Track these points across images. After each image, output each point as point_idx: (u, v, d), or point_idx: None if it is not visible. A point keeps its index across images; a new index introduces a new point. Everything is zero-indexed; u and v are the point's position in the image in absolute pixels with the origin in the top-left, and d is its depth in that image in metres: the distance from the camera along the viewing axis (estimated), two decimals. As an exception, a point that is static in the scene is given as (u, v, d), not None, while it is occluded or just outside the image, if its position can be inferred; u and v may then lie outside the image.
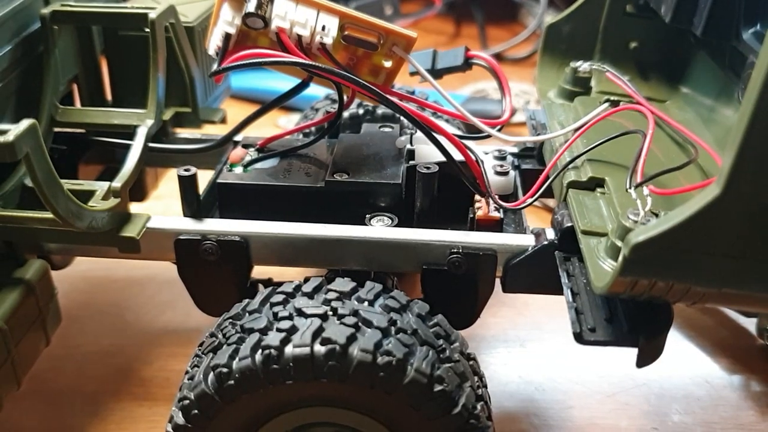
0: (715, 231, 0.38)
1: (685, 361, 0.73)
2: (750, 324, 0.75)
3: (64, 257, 0.63)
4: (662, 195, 0.46)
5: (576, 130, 0.56)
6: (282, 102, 0.59)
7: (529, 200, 0.55)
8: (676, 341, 0.75)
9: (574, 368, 0.71)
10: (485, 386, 0.50)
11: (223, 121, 0.68)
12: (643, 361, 0.45)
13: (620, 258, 0.40)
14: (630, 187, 0.47)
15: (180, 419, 0.45)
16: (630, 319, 0.45)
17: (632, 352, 0.73)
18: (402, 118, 0.57)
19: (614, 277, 0.41)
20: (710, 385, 0.70)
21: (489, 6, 1.36)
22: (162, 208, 0.72)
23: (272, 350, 0.43)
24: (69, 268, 0.80)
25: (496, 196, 0.56)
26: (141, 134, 0.56)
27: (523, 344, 0.74)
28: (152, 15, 0.57)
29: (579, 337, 0.45)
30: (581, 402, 0.67)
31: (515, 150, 0.66)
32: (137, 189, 0.70)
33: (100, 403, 0.67)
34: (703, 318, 0.78)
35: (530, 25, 1.35)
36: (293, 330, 0.44)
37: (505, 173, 0.60)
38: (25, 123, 0.40)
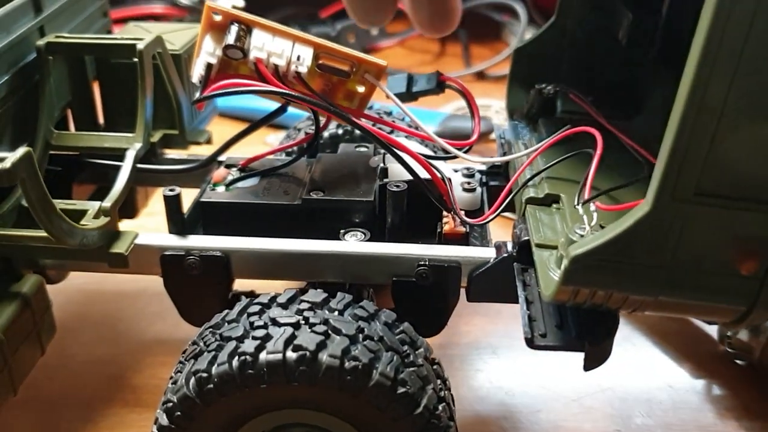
0: (646, 244, 0.42)
1: (649, 366, 0.76)
2: (712, 330, 0.79)
3: (58, 272, 0.66)
4: (608, 210, 0.50)
5: (537, 149, 0.61)
6: (261, 125, 0.63)
7: (491, 216, 0.59)
8: (640, 347, 0.79)
9: (542, 374, 0.75)
10: (449, 389, 0.53)
11: (209, 141, 0.72)
12: (589, 365, 0.49)
13: (562, 269, 0.44)
14: (578, 204, 0.51)
15: (164, 420, 0.49)
16: (578, 326, 0.49)
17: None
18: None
19: (558, 285, 0.45)
20: (673, 389, 0.74)
21: (472, 25, 1.40)
22: (153, 224, 0.76)
23: (248, 356, 0.47)
24: (64, 282, 0.83)
25: (462, 212, 0.59)
26: (130, 157, 0.60)
27: (494, 351, 0.78)
28: (140, 46, 0.61)
29: (530, 342, 0.49)
30: (548, 406, 0.71)
31: (483, 168, 0.70)
32: (128, 207, 0.74)
33: (93, 409, 0.70)
34: (668, 324, 0.82)
35: (511, 44, 1.40)
36: (267, 338, 0.48)
37: (472, 190, 0.65)
38: (21, 151, 0.44)
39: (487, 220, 0.59)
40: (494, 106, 1.23)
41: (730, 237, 0.42)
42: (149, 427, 0.53)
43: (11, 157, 0.43)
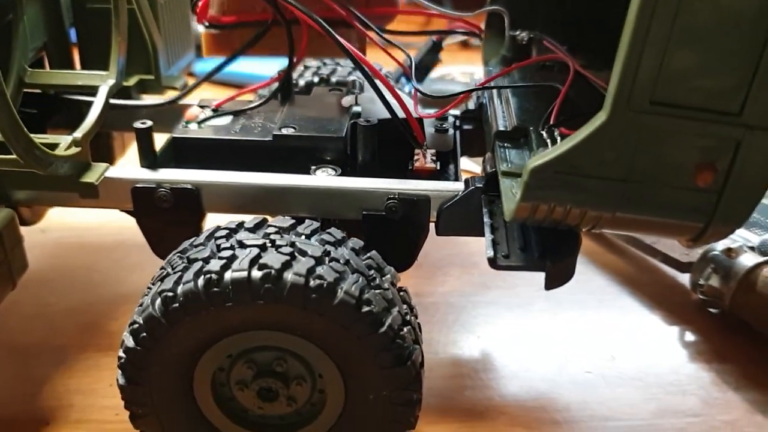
0: (603, 155, 0.42)
1: (622, 313, 0.77)
2: (685, 280, 0.80)
3: (33, 211, 0.67)
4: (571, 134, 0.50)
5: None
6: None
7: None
8: (614, 297, 0.79)
9: (514, 320, 0.76)
10: (415, 316, 0.54)
11: (184, 87, 0.73)
12: (551, 284, 0.49)
13: (521, 183, 0.44)
14: (542, 129, 0.51)
15: (130, 342, 0.49)
16: (541, 247, 0.50)
17: (568, 306, 0.78)
18: (352, 80, 0.62)
19: (518, 202, 0.45)
20: (645, 335, 0.74)
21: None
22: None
23: (213, 275, 0.47)
24: (42, 236, 0.84)
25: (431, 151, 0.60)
26: (102, 92, 0.61)
27: (469, 300, 0.78)
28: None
29: (493, 262, 0.49)
30: (519, 349, 0.72)
31: (457, 112, 0.71)
32: (105, 154, 0.75)
33: (67, 354, 0.71)
34: (642, 275, 0.83)
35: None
36: (233, 258, 0.48)
37: (445, 131, 0.65)
38: (-14, 67, 0.45)
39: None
40: (477, 73, 1.24)
41: (685, 148, 0.42)
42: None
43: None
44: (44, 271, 0.81)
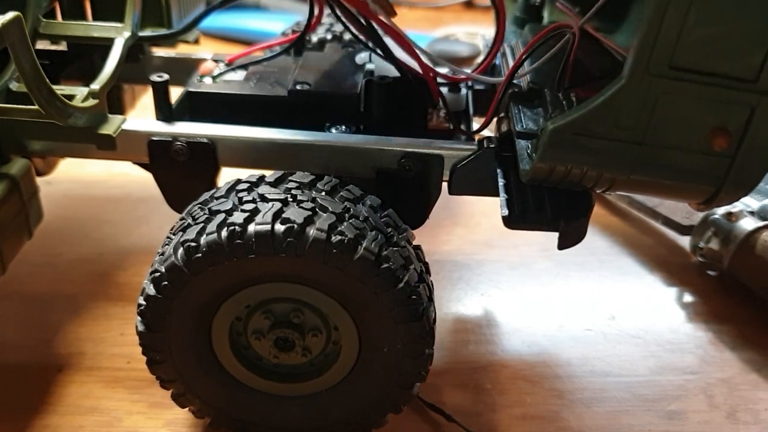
0: (621, 118, 0.43)
1: (623, 274, 0.79)
2: (685, 243, 0.82)
3: (46, 162, 0.67)
4: (587, 97, 0.51)
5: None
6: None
7: (489, 119, 0.59)
8: (616, 257, 0.81)
9: (517, 279, 0.77)
10: (429, 274, 0.55)
11: (197, 41, 0.73)
12: (563, 243, 0.51)
13: (540, 144, 0.45)
14: (558, 91, 0.52)
15: (151, 290, 0.50)
16: (554, 208, 0.51)
17: (569, 266, 0.80)
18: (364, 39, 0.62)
19: (535, 163, 0.46)
20: (644, 296, 0.76)
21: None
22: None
23: (236, 227, 0.48)
24: (51, 187, 0.85)
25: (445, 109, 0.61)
26: (119, 44, 0.61)
27: (473, 258, 0.80)
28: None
29: (507, 221, 0.50)
30: (522, 307, 0.74)
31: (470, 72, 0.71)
32: (116, 106, 0.75)
33: (77, 303, 0.72)
34: (643, 237, 0.84)
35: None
36: (256, 211, 0.49)
37: (458, 90, 0.66)
38: (11, 14, 0.45)
39: (485, 125, 0.59)
40: (482, 33, 1.24)
41: (702, 112, 0.43)
42: (131, 319, 0.55)
43: (1, 19, 0.44)
44: (53, 221, 0.82)
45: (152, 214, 0.83)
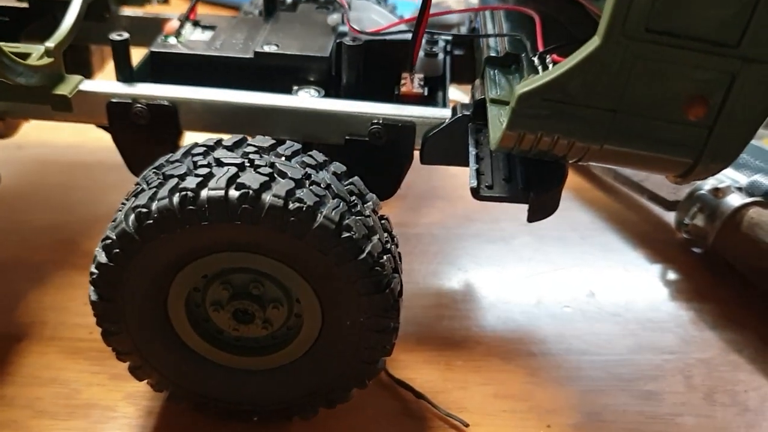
0: (594, 83, 0.41)
1: (605, 251, 0.77)
2: (671, 218, 0.79)
3: (5, 125, 0.65)
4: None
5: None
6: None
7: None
8: (599, 233, 0.79)
9: (497, 254, 0.75)
10: (396, 245, 0.53)
11: (166, 1, 0.70)
12: (533, 216, 0.48)
13: (508, 111, 0.43)
14: (533, 56, 0.49)
15: (102, 258, 0.48)
16: (525, 179, 0.49)
17: (550, 241, 0.78)
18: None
19: (504, 131, 0.44)
20: (627, 272, 0.74)
21: None
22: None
23: (189, 192, 0.46)
24: (18, 152, 0.82)
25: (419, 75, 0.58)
26: (77, 1, 0.58)
27: (452, 232, 0.78)
28: None
29: (475, 192, 0.48)
30: (500, 281, 0.72)
31: (449, 37, 0.68)
32: (83, 68, 0.72)
33: (42, 271, 0.70)
34: (627, 213, 0.82)
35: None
36: (210, 176, 0.46)
37: (434, 55, 0.63)
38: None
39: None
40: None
41: (679, 79, 0.41)
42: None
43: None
44: (20, 186, 0.80)
45: (124, 181, 0.79)
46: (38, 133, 0.75)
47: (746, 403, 0.61)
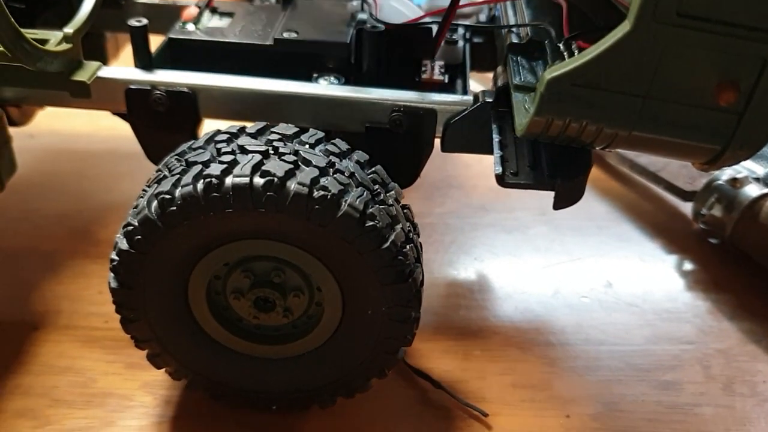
0: (625, 68, 0.40)
1: (621, 241, 0.76)
2: (687, 210, 0.79)
3: (22, 112, 0.64)
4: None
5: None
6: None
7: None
8: (615, 223, 0.79)
9: (512, 244, 0.75)
10: (418, 235, 0.53)
11: (181, -13, 0.69)
12: (559, 203, 0.48)
13: (536, 96, 0.42)
14: (559, 42, 0.49)
15: (124, 245, 0.48)
16: (551, 166, 0.48)
17: (566, 231, 0.77)
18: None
19: (532, 116, 0.43)
20: (643, 262, 0.74)
21: None
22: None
23: (213, 179, 0.45)
24: (31, 141, 0.82)
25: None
26: (96, -15, 0.57)
27: (467, 221, 0.77)
28: None
29: (501, 179, 0.48)
30: (516, 272, 0.71)
31: (468, 23, 0.68)
32: (98, 55, 0.72)
33: (55, 260, 0.69)
34: (644, 203, 0.82)
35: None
36: (234, 163, 0.46)
37: (454, 42, 0.62)
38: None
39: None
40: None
41: (710, 64, 0.40)
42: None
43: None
44: (33, 176, 0.79)
45: (137, 170, 0.79)
46: (50, 122, 0.75)
47: (765, 393, 0.60)
